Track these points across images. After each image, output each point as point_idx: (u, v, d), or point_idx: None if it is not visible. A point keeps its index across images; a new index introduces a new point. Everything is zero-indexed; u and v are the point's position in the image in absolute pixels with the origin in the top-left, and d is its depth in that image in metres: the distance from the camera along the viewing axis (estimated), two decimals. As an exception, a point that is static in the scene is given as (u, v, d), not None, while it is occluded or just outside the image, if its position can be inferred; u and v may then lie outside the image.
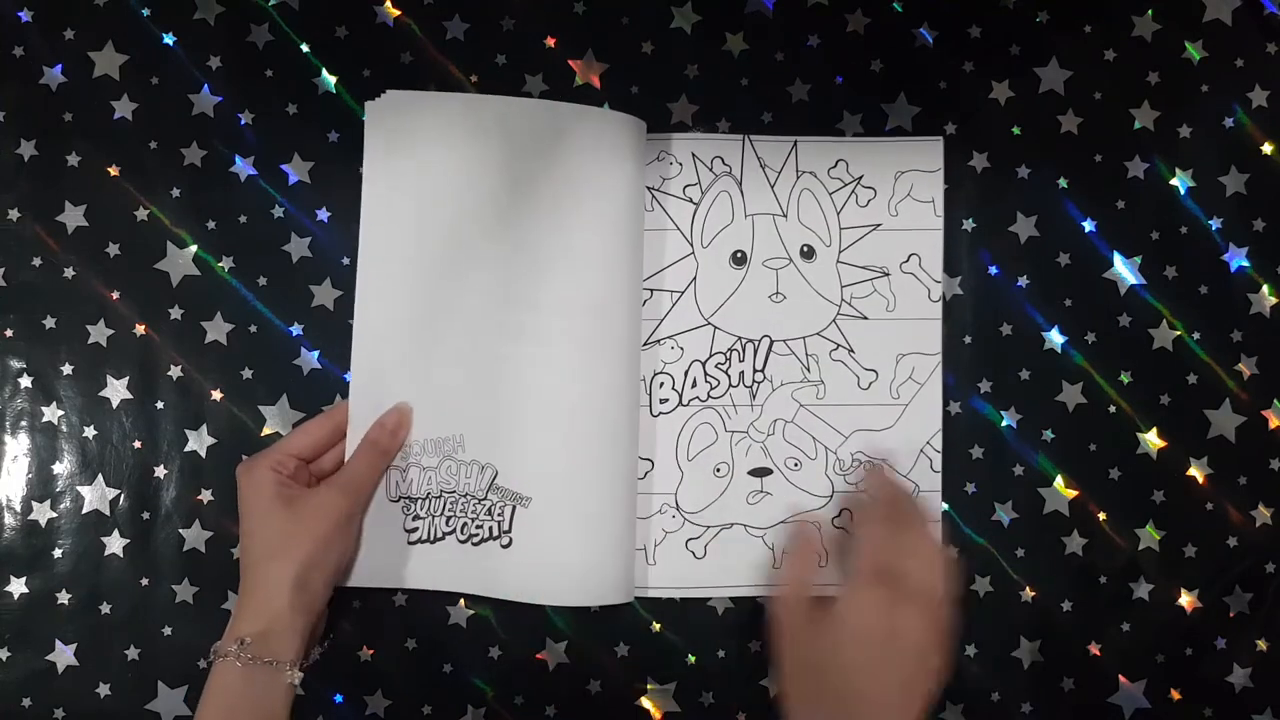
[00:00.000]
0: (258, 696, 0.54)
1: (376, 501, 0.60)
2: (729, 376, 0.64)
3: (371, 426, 0.60)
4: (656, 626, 0.63)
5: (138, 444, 0.62)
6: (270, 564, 0.55)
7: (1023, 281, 0.65)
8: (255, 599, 0.55)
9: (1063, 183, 0.65)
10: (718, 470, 0.63)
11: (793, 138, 0.64)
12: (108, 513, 0.62)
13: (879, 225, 0.64)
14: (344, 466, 0.59)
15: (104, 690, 0.61)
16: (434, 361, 0.61)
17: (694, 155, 0.64)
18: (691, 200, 0.64)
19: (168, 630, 0.62)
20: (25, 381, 0.62)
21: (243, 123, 0.63)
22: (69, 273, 0.62)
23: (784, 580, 0.59)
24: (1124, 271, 0.65)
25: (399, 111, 0.61)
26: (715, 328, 0.64)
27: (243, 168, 0.63)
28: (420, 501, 0.61)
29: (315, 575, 0.56)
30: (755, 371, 0.64)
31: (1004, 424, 0.64)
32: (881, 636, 0.53)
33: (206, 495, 0.62)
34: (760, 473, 0.63)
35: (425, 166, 0.61)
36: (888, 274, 0.64)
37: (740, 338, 0.64)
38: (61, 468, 0.62)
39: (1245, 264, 0.65)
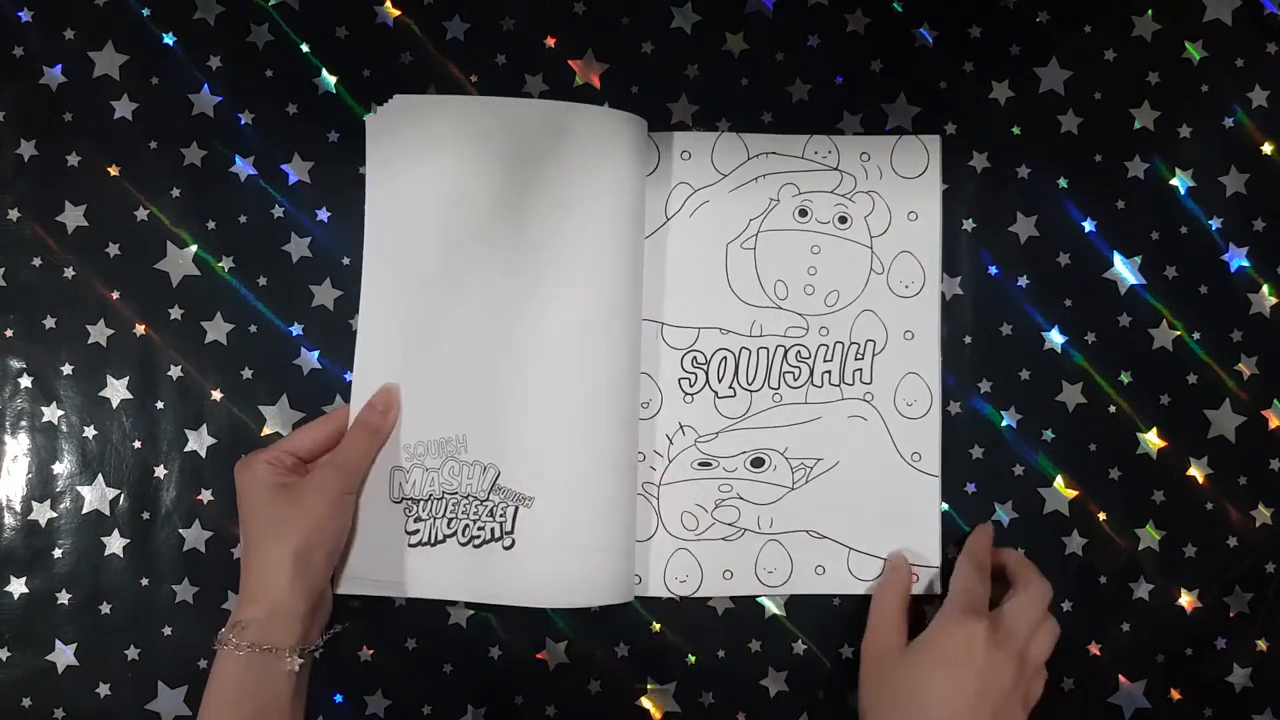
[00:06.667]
0: (259, 684, 0.54)
1: (378, 503, 0.60)
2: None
3: (362, 408, 0.60)
4: (656, 626, 0.63)
5: (138, 444, 0.62)
6: (269, 545, 0.55)
7: (1023, 281, 0.65)
8: (255, 581, 0.55)
9: (1063, 183, 0.65)
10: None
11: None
12: (108, 513, 0.62)
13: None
14: (337, 448, 0.59)
15: (104, 690, 0.61)
16: (437, 363, 0.61)
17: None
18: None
19: (168, 630, 0.62)
20: (25, 381, 0.62)
21: (243, 123, 0.63)
22: (69, 273, 0.62)
23: (879, 599, 0.60)
24: (1124, 271, 0.65)
25: (401, 117, 0.61)
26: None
27: (243, 168, 0.63)
28: (422, 503, 0.61)
29: (315, 554, 0.56)
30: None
31: (1004, 424, 0.64)
32: (972, 670, 0.54)
33: (206, 495, 0.62)
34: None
35: (428, 171, 0.61)
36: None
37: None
38: (61, 468, 0.62)
39: (1245, 264, 0.65)
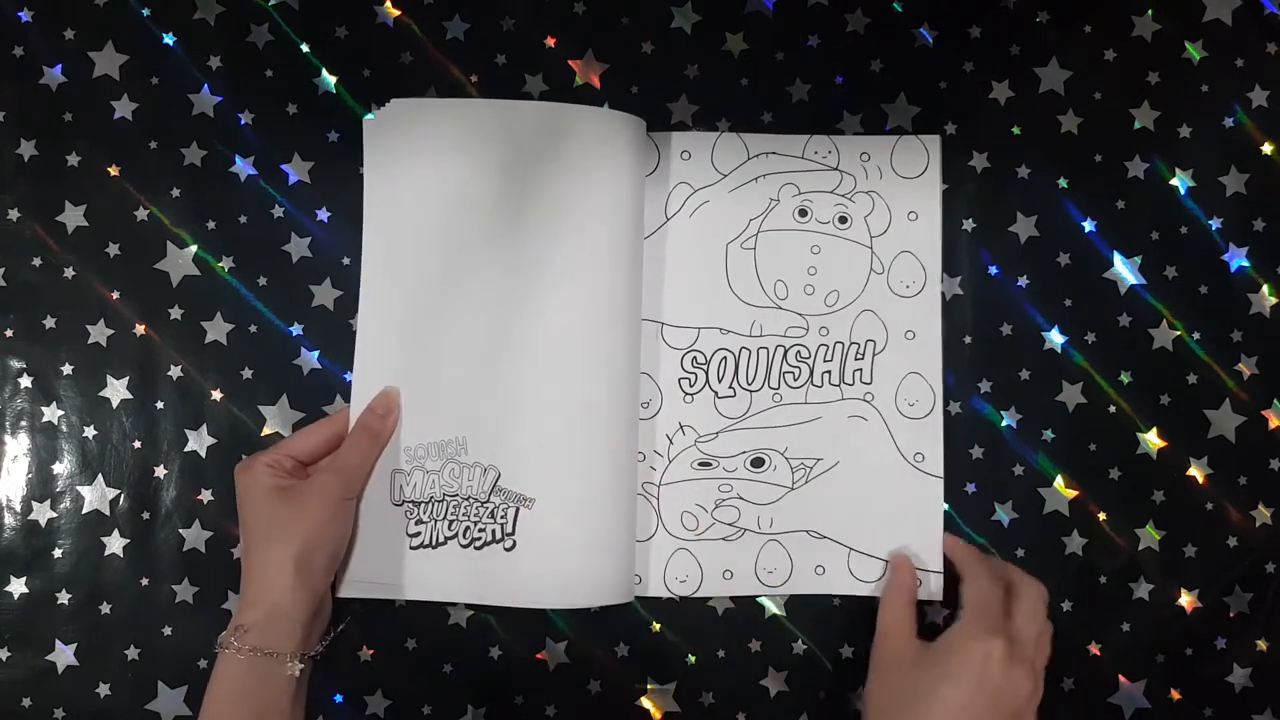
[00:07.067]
0: (259, 688, 0.54)
1: (379, 506, 0.60)
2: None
3: (362, 412, 0.60)
4: (656, 626, 0.64)
5: (138, 444, 0.62)
6: (269, 547, 0.55)
7: (1023, 281, 0.65)
8: (256, 584, 0.55)
9: (1063, 183, 0.65)
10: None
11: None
12: (108, 513, 0.62)
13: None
14: (337, 452, 0.59)
15: (104, 690, 0.61)
16: (437, 365, 0.61)
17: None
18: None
19: (168, 630, 0.62)
20: (25, 381, 0.62)
21: (243, 123, 0.63)
22: (69, 273, 0.62)
23: (887, 605, 0.60)
24: (1124, 271, 0.65)
25: (398, 120, 0.61)
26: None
27: (243, 168, 0.63)
28: (423, 506, 0.61)
29: (315, 556, 0.56)
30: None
31: (1004, 424, 0.64)
32: (989, 687, 0.54)
33: (206, 495, 0.62)
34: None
35: (427, 173, 0.61)
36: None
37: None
38: (61, 468, 0.62)
39: (1245, 264, 0.65)
